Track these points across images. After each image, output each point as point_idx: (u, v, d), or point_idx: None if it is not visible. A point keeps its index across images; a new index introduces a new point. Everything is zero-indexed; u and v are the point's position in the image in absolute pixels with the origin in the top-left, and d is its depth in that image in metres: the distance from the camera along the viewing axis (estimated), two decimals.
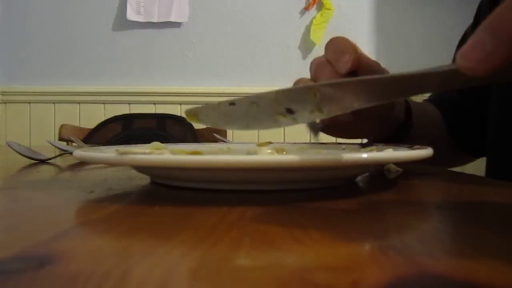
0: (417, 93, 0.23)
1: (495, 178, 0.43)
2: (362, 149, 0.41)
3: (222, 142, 0.68)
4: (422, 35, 1.98)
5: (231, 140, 1.70)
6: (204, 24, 1.95)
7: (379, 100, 0.25)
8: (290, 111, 0.25)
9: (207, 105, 0.27)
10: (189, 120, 0.29)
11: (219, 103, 0.27)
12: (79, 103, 1.98)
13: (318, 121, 0.35)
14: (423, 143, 0.37)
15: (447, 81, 0.21)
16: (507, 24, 0.16)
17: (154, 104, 1.96)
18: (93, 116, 1.89)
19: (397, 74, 0.21)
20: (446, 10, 1.95)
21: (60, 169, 0.49)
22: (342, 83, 0.24)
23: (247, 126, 0.27)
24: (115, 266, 0.14)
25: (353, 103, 0.24)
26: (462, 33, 0.64)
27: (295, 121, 0.26)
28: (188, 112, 0.28)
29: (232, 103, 0.26)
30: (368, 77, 0.23)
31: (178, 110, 1.92)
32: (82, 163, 0.50)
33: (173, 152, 0.32)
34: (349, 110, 0.26)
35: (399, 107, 0.51)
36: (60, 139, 1.64)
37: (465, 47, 0.17)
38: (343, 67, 0.39)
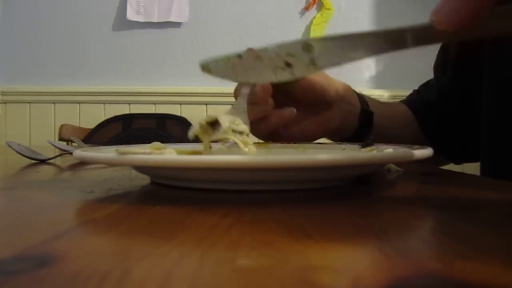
0: (398, 47, 0.25)
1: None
2: (362, 149, 0.41)
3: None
4: None
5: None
6: (204, 24, 1.95)
7: (365, 55, 0.26)
8: (288, 65, 0.26)
9: (218, 59, 0.30)
10: (202, 71, 0.32)
11: (228, 56, 0.29)
12: (79, 103, 1.98)
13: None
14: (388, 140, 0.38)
15: (424, 37, 0.23)
16: None
17: (154, 104, 1.96)
18: (93, 116, 1.89)
19: (378, 30, 0.23)
20: None
21: (60, 169, 0.49)
22: (333, 37, 0.25)
23: (251, 79, 0.30)
24: (115, 266, 0.14)
25: (342, 59, 0.25)
26: None
27: (293, 75, 0.28)
28: (202, 64, 0.31)
29: (239, 56, 0.29)
30: (353, 32, 0.25)
31: (178, 110, 1.92)
32: (82, 163, 0.50)
33: (173, 152, 0.32)
34: (339, 65, 0.27)
35: (350, 100, 0.53)
36: (60, 139, 1.64)
37: (437, 4, 0.20)
38: None
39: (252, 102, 0.39)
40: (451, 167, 0.63)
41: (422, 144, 0.61)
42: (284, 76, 0.28)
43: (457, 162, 0.65)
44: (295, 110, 0.45)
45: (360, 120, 0.54)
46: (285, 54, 0.27)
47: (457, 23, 0.19)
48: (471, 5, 0.19)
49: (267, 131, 0.46)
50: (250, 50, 0.29)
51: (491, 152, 0.54)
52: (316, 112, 0.50)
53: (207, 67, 0.31)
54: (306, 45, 0.26)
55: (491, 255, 0.16)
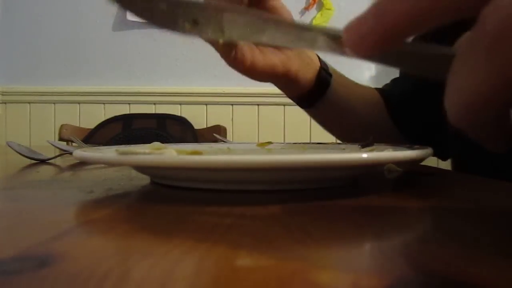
0: (311, 47, 0.23)
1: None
2: (362, 149, 0.41)
3: (222, 142, 0.68)
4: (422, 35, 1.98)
5: (231, 140, 1.70)
6: None
7: (274, 41, 0.26)
8: (195, 22, 0.26)
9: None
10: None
11: None
12: (79, 103, 1.98)
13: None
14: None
15: (336, 48, 0.20)
16: (392, 4, 0.15)
17: (154, 104, 1.96)
18: (93, 116, 1.89)
19: (300, 23, 0.22)
20: None
21: (60, 169, 0.49)
22: (247, 13, 0.25)
23: (164, 25, 0.28)
24: (115, 266, 0.14)
25: (251, 37, 0.25)
26: None
27: (198, 33, 0.27)
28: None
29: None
30: (275, 17, 0.23)
31: (178, 110, 1.92)
32: (82, 163, 0.50)
33: (173, 152, 0.32)
34: (247, 42, 0.27)
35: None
36: (60, 139, 1.64)
37: (352, 20, 0.17)
38: None
39: None
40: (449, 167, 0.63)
41: (391, 134, 0.61)
42: (188, 31, 0.28)
43: (443, 158, 0.64)
44: None
45: (317, 77, 0.53)
46: (197, 11, 0.26)
47: (365, 50, 0.16)
48: (385, 33, 0.16)
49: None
50: None
51: (459, 147, 0.53)
52: (277, 47, 0.49)
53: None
54: (217, 10, 0.25)
55: (491, 255, 0.16)
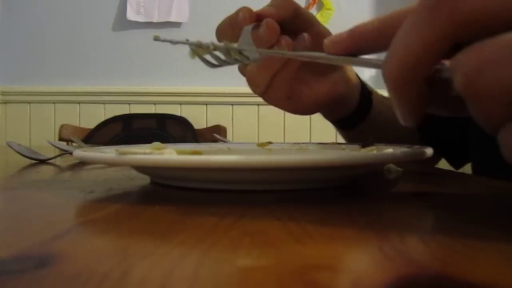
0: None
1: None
2: (362, 149, 0.41)
3: (222, 142, 0.68)
4: None
5: (231, 140, 1.70)
6: (204, 24, 1.95)
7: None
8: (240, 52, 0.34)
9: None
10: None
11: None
12: (79, 103, 1.98)
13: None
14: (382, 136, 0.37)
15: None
16: (361, 26, 0.22)
17: (154, 104, 1.96)
18: (93, 116, 1.89)
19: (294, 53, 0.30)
20: None
21: (60, 169, 0.49)
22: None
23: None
24: (115, 266, 0.14)
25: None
26: None
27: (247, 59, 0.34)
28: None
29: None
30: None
31: (178, 110, 1.92)
32: (82, 163, 0.50)
33: (173, 152, 0.32)
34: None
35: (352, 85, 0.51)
36: (60, 139, 1.64)
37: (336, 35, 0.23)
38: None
39: (258, 44, 0.37)
40: (450, 167, 0.63)
41: (411, 141, 0.60)
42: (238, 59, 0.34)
43: (456, 166, 0.64)
44: (307, 36, 0.41)
45: (361, 94, 0.51)
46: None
47: (338, 53, 0.23)
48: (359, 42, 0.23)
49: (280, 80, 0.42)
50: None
51: (479, 151, 0.53)
52: (322, 73, 0.46)
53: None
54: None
55: (491, 255, 0.16)
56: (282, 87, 0.43)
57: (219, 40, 0.44)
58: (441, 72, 0.18)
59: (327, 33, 0.44)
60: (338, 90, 0.48)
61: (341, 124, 0.54)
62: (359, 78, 0.53)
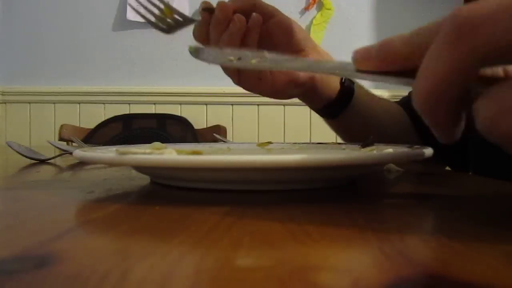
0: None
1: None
2: (362, 149, 0.41)
3: (222, 142, 0.68)
4: None
5: (231, 140, 1.70)
6: None
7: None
8: (239, 58, 0.30)
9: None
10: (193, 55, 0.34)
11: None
12: (79, 103, 1.98)
13: None
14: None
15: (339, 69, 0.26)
16: (389, 45, 0.23)
17: (154, 104, 1.96)
18: (93, 116, 1.89)
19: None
20: (446, 10, 1.94)
21: (60, 169, 0.49)
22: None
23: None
24: (115, 266, 0.14)
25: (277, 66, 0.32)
26: None
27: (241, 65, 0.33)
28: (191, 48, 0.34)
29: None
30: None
31: (178, 110, 1.92)
32: (82, 163, 0.50)
33: (173, 152, 0.32)
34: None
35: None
36: (60, 139, 1.64)
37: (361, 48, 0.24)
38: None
39: (217, 24, 0.44)
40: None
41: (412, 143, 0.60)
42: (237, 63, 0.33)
43: (456, 169, 0.64)
44: (256, 15, 0.45)
45: (341, 85, 0.52)
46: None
47: (368, 67, 0.23)
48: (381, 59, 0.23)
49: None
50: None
51: (479, 151, 0.53)
52: (293, 55, 0.48)
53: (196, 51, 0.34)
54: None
55: (491, 255, 0.16)
56: None
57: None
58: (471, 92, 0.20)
59: (289, 21, 0.48)
60: (298, 78, 0.49)
61: (323, 113, 0.55)
62: None
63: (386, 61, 0.23)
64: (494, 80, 0.19)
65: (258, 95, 0.48)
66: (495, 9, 0.17)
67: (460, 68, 0.18)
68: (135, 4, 0.43)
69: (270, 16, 0.46)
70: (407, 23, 2.02)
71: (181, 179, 0.31)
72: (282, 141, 0.73)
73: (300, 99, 0.53)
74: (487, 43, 0.17)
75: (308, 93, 0.51)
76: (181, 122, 1.78)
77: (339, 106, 0.53)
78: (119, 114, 1.80)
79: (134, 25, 1.96)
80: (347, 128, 0.58)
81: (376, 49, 0.23)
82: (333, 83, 0.52)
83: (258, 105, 1.89)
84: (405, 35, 0.22)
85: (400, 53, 0.22)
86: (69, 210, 0.25)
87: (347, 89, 0.53)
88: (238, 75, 0.48)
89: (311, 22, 1.95)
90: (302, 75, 0.49)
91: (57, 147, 0.66)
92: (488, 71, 0.20)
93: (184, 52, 0.36)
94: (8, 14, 1.99)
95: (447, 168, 0.60)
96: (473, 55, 0.18)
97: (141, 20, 0.38)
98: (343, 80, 0.53)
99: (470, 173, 0.56)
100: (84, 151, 0.33)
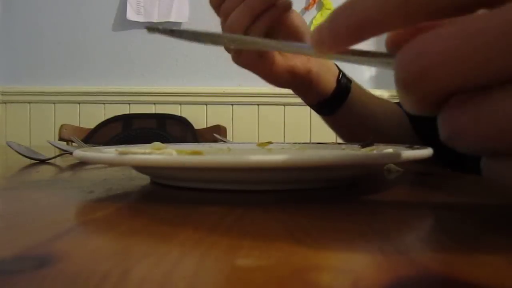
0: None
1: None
2: (362, 149, 0.41)
3: (222, 142, 0.68)
4: None
5: (231, 140, 1.71)
6: (204, 24, 1.95)
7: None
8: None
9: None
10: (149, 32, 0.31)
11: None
12: (79, 103, 1.98)
13: None
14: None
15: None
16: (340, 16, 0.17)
17: (154, 104, 1.96)
18: (93, 116, 1.89)
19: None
20: None
21: (60, 169, 0.49)
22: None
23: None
24: (115, 266, 0.14)
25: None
26: None
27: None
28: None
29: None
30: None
31: (178, 110, 1.92)
32: (82, 163, 0.50)
33: (173, 152, 0.32)
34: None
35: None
36: (60, 139, 1.64)
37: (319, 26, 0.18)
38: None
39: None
40: None
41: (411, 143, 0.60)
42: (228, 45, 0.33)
43: (455, 169, 0.64)
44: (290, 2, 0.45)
45: (338, 81, 0.53)
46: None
47: (330, 48, 0.18)
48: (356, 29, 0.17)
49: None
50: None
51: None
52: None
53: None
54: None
55: (491, 255, 0.16)
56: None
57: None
58: None
59: (302, 21, 0.48)
60: (310, 65, 0.50)
61: (319, 108, 0.55)
62: (337, 67, 0.54)
63: (342, 39, 0.17)
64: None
65: (255, 74, 0.48)
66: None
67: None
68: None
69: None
70: None
71: (181, 179, 0.31)
72: (282, 141, 0.73)
73: (294, 92, 0.53)
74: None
75: (303, 86, 0.52)
76: (181, 122, 1.78)
77: (334, 103, 0.53)
78: (119, 114, 1.80)
79: (134, 25, 1.97)
80: (342, 126, 0.58)
81: (327, 27, 0.17)
82: (329, 80, 0.52)
83: (258, 105, 1.89)
84: None
85: (357, 23, 0.17)
86: (69, 210, 0.25)
87: (343, 87, 0.53)
88: (239, 51, 0.47)
89: (311, 22, 1.95)
90: (301, 66, 0.49)
91: (57, 147, 0.66)
92: None
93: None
94: (8, 14, 1.99)
95: (447, 168, 0.60)
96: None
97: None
98: (339, 78, 0.53)
99: (470, 173, 0.56)
100: (84, 151, 0.33)
